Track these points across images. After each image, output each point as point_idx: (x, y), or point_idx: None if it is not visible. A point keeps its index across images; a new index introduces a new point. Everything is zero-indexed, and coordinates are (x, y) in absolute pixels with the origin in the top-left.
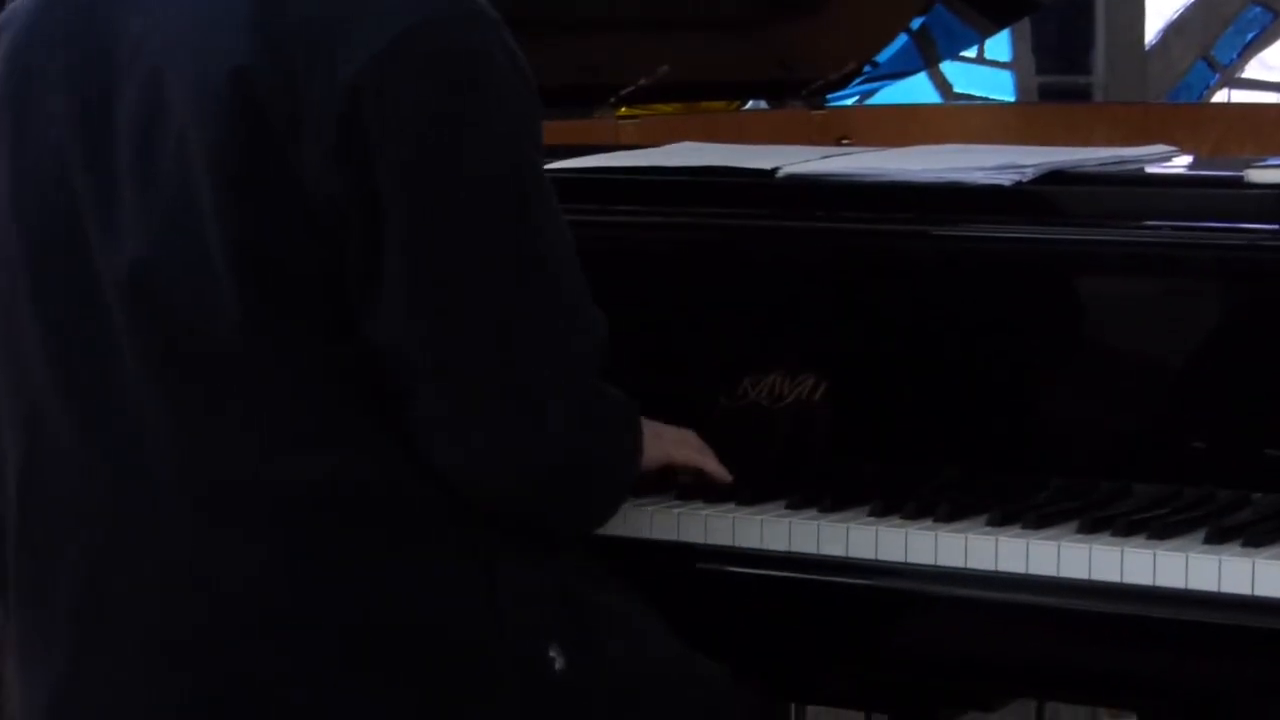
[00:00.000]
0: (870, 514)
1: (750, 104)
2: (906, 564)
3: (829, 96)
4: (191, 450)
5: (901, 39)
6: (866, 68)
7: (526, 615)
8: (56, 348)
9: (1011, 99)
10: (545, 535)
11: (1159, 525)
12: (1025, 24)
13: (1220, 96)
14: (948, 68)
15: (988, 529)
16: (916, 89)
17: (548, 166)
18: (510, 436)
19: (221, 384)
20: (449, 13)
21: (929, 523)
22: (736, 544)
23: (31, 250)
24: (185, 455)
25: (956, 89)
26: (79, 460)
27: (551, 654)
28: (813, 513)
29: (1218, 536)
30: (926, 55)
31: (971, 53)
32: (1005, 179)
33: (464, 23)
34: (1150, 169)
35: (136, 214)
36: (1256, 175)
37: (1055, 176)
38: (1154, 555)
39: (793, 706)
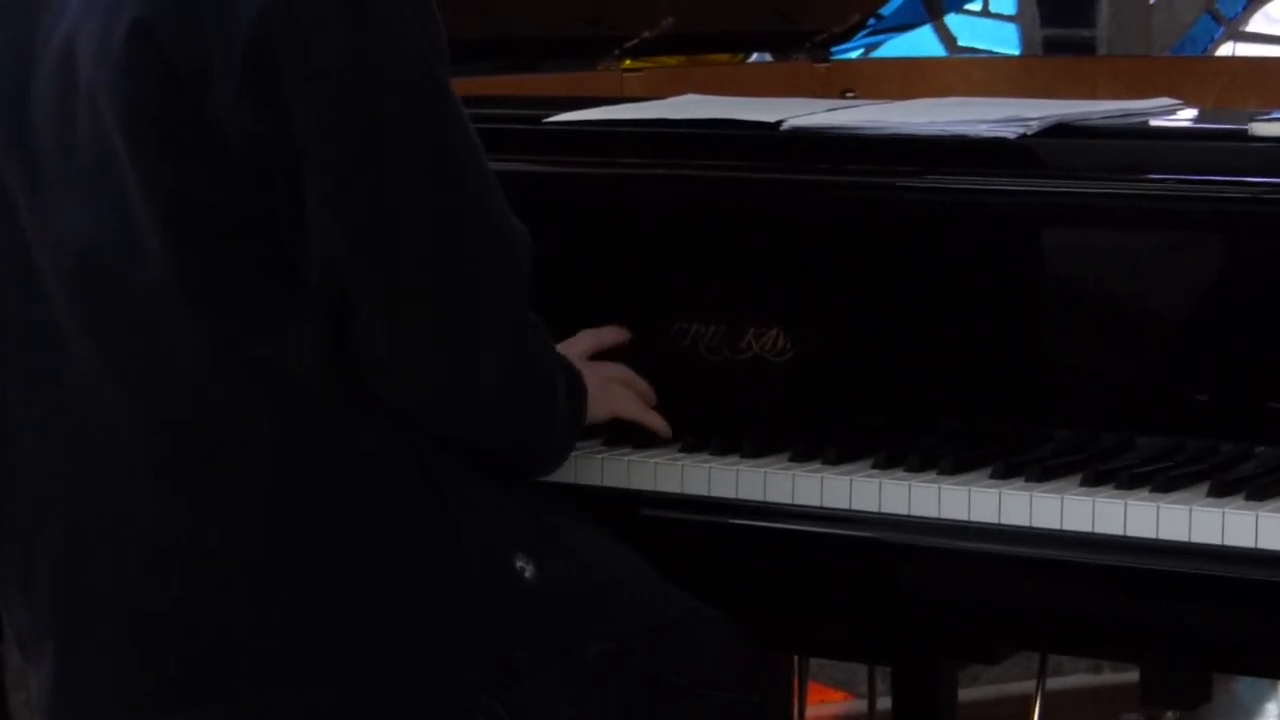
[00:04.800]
0: (873, 466)
1: (754, 57)
2: (909, 517)
3: (833, 49)
4: (143, 417)
5: None
6: (871, 20)
7: (487, 529)
8: (8, 338)
9: (1016, 52)
10: (511, 471)
11: (1162, 478)
12: None
13: (1224, 50)
14: (952, 20)
15: (991, 482)
16: (921, 42)
17: (553, 119)
18: (454, 349)
19: (164, 344)
20: None
21: (932, 475)
22: (740, 496)
23: None
24: (138, 422)
25: (961, 42)
26: (40, 445)
27: (519, 564)
28: (816, 465)
29: (1221, 490)
30: (931, 8)
31: (976, 5)
32: (1009, 132)
33: None
34: (1154, 122)
35: (63, 192)
36: (1260, 129)
37: (1059, 129)
38: (1157, 508)
39: (796, 658)
